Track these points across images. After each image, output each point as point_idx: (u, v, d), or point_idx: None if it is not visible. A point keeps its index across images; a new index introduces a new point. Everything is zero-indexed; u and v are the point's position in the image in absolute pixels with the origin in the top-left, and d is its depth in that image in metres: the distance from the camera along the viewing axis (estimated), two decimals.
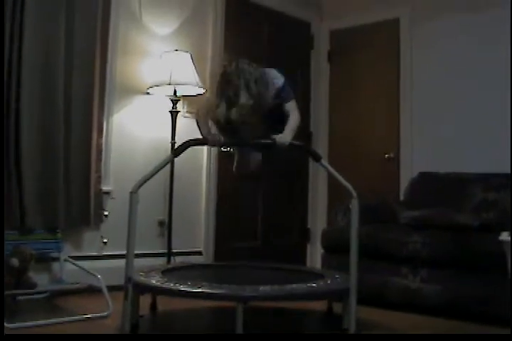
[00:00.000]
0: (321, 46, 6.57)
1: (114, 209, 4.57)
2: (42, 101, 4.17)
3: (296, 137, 3.33)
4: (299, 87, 6.28)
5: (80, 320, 3.48)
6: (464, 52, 5.44)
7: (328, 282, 3.44)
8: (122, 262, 3.21)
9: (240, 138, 3.29)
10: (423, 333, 3.47)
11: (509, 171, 4.63)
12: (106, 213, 4.58)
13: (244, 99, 3.00)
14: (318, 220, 6.36)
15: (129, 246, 3.15)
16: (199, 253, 5.25)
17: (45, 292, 4.07)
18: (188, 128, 4.98)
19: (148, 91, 4.87)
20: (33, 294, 3.92)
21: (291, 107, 3.39)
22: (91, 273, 3.84)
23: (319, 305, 3.92)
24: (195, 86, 4.82)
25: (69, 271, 4.09)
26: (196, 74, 4.84)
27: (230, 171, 3.99)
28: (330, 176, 3.33)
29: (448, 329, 3.58)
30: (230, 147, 3.59)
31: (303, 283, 3.35)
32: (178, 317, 3.87)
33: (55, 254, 4.14)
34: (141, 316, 3.39)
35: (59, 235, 4.16)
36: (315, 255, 6.13)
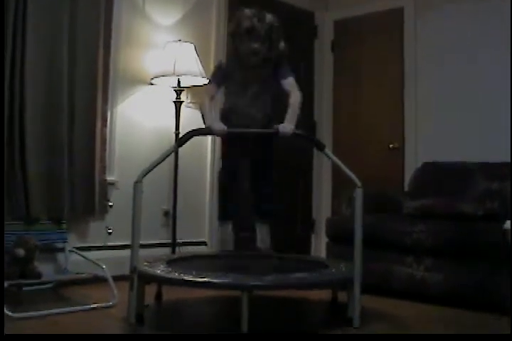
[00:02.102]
0: (325, 36, 6.55)
1: (119, 200, 4.58)
2: (46, 92, 4.17)
3: (299, 126, 3.34)
4: (303, 77, 6.28)
5: (85, 310, 3.50)
6: (468, 41, 5.42)
7: (333, 271, 3.45)
8: (127, 252, 3.24)
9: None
10: (426, 323, 3.48)
11: None
12: (110, 203, 4.59)
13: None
14: (322, 209, 6.36)
15: (134, 236, 3.17)
16: (204, 243, 5.26)
17: (50, 282, 4.07)
18: (191, 118, 4.99)
19: (152, 81, 4.87)
20: (38, 284, 3.93)
21: (291, 85, 3.37)
22: (96, 264, 3.85)
23: (324, 294, 3.93)
24: (198, 76, 4.81)
25: (74, 261, 4.11)
26: (200, 65, 4.84)
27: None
28: (334, 166, 3.33)
29: (451, 318, 3.58)
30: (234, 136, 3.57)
31: (307, 272, 3.36)
32: (184, 306, 3.88)
33: (60, 245, 4.16)
34: (147, 306, 3.40)
35: (64, 225, 4.18)
36: (319, 244, 6.13)
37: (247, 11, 3.28)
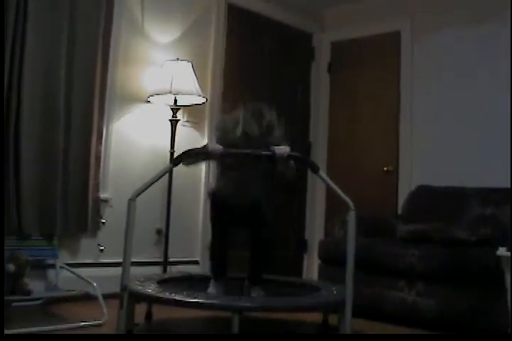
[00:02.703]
0: (322, 57, 6.58)
1: (112, 217, 4.56)
2: (42, 108, 4.17)
3: (294, 148, 3.34)
4: (300, 98, 6.30)
5: (74, 328, 3.47)
6: (465, 65, 5.45)
7: (324, 294, 3.44)
8: (118, 270, 3.21)
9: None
10: None
11: (507, 186, 4.64)
12: (103, 220, 4.58)
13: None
14: (315, 231, 6.35)
15: (126, 254, 3.15)
16: (196, 262, 5.24)
17: (40, 299, 4.05)
18: (187, 137, 4.99)
19: (148, 99, 4.88)
20: (27, 301, 3.91)
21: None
22: (87, 281, 3.83)
23: (315, 317, 3.91)
24: (195, 95, 4.83)
25: (65, 278, 4.09)
26: (197, 84, 4.85)
27: None
28: (328, 188, 3.33)
29: None
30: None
31: (299, 295, 3.35)
32: (173, 326, 3.86)
33: (51, 261, 4.14)
34: (136, 325, 3.37)
35: (55, 242, 4.16)
36: (312, 266, 6.12)
37: (245, 115, 3.39)
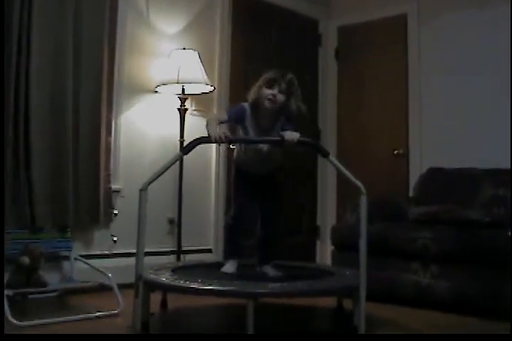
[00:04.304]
0: (329, 43, 6.56)
1: (124, 208, 4.57)
2: (51, 101, 4.18)
3: (304, 134, 3.34)
4: (307, 85, 6.28)
5: (90, 319, 3.49)
6: (472, 48, 5.42)
7: (338, 278, 3.44)
8: (132, 260, 3.22)
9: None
10: (433, 331, 3.46)
11: None
12: (115, 211, 4.59)
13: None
14: (327, 217, 6.36)
15: (139, 244, 3.16)
16: (209, 250, 5.25)
17: (55, 290, 4.07)
18: (196, 126, 4.99)
19: (156, 89, 4.88)
20: (43, 293, 3.93)
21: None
22: (101, 272, 3.85)
23: (329, 302, 3.91)
24: (203, 84, 4.82)
25: (79, 269, 4.11)
26: (204, 73, 4.84)
27: None
28: (339, 173, 3.33)
29: (458, 325, 3.57)
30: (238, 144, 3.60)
31: (313, 280, 3.35)
32: (189, 314, 3.87)
33: (65, 253, 4.16)
34: (152, 314, 3.38)
35: (69, 234, 4.18)
36: (325, 252, 6.12)
37: (273, 70, 3.48)
